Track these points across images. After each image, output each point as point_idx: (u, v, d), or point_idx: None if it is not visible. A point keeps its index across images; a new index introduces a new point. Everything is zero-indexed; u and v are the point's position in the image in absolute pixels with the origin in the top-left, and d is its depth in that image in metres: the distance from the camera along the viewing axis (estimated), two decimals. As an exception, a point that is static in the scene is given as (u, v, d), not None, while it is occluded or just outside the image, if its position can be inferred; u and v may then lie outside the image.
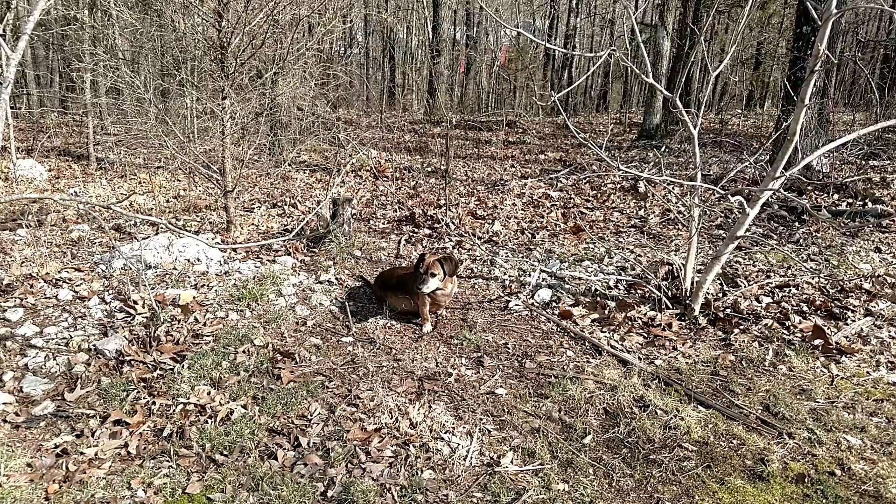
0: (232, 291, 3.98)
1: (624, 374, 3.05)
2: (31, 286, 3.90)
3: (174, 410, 2.62)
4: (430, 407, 2.74)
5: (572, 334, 3.58)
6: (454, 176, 8.96)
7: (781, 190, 3.57)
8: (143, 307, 3.59)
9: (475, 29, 22.25)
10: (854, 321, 3.65)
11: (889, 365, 3.17)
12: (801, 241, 5.44)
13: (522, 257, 5.09)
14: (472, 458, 2.38)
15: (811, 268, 4.57)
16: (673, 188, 6.55)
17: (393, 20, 20.28)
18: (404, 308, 3.78)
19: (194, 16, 5.58)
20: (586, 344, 3.45)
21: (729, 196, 3.57)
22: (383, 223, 6.39)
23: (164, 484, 2.18)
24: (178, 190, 7.77)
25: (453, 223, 6.11)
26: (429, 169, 9.79)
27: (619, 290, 4.29)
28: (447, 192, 6.69)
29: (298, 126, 10.41)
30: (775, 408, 2.74)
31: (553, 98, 3.42)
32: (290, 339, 3.43)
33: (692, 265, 3.79)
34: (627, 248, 5.32)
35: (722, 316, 3.72)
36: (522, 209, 6.94)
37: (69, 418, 2.57)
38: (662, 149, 10.30)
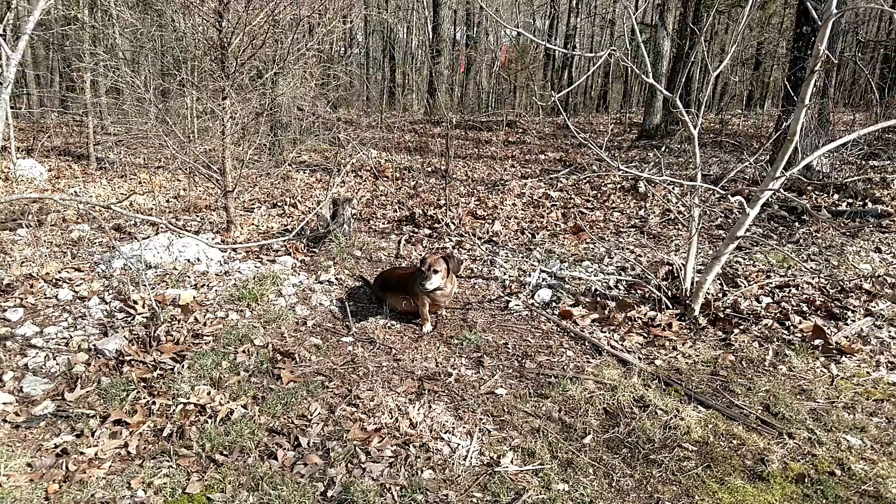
0: (232, 291, 3.98)
1: (624, 374, 3.05)
2: (31, 286, 3.90)
3: (174, 410, 2.62)
4: (430, 407, 2.74)
5: (572, 334, 3.58)
6: (454, 176, 8.96)
7: (781, 190, 3.58)
8: (143, 307, 3.59)
9: (475, 29, 22.23)
10: (854, 321, 3.65)
11: (889, 365, 3.17)
12: (801, 241, 5.44)
13: (522, 257, 5.09)
14: (472, 458, 2.38)
15: (811, 268, 4.57)
16: (673, 188, 6.55)
17: (393, 20, 20.29)
18: (404, 308, 3.78)
19: (195, 16, 5.57)
20: (586, 344, 3.45)
21: (729, 196, 3.57)
22: (383, 223, 6.39)
23: (164, 484, 2.18)
24: (178, 190, 7.77)
25: (453, 223, 6.11)
26: (429, 169, 9.79)
27: (619, 290, 4.29)
28: (447, 192, 6.69)
29: (298, 126, 10.41)
30: (775, 408, 2.74)
31: (553, 98, 3.42)
32: (290, 339, 3.43)
33: (692, 265, 3.79)
34: (627, 248, 5.32)
35: (722, 316, 3.71)
36: (522, 209, 6.93)
37: (69, 418, 2.57)
38: (662, 149, 10.31)
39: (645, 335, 3.54)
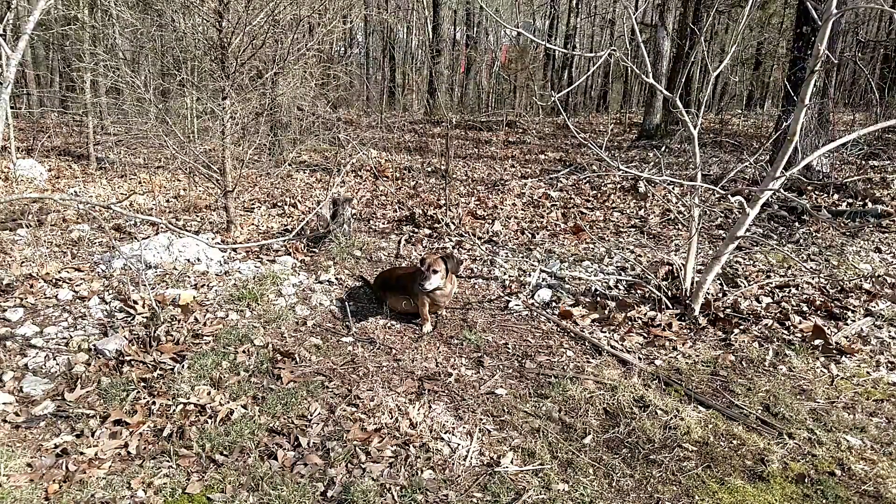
0: (232, 291, 3.98)
1: (624, 374, 3.05)
2: (31, 286, 3.90)
3: (174, 410, 2.62)
4: (430, 407, 2.74)
5: (572, 334, 3.58)
6: (454, 176, 8.96)
7: (781, 190, 3.57)
8: (143, 307, 3.59)
9: (475, 29, 22.23)
10: (854, 321, 3.65)
11: (889, 365, 3.17)
12: (801, 241, 5.44)
13: (522, 257, 5.09)
14: (472, 458, 2.38)
15: (811, 268, 4.57)
16: (673, 188, 6.55)
17: (393, 20, 20.29)
18: (404, 308, 3.78)
19: (195, 16, 5.57)
20: (586, 344, 3.45)
21: (729, 196, 3.57)
22: (383, 223, 6.39)
23: (164, 484, 2.18)
24: (178, 190, 7.77)
25: (453, 223, 6.11)
26: (429, 169, 9.79)
27: (619, 290, 4.29)
28: (447, 192, 6.69)
29: (298, 126, 10.41)
30: (775, 408, 2.74)
31: (553, 98, 3.42)
32: (290, 339, 3.43)
33: (692, 265, 3.79)
34: (627, 248, 5.32)
35: (722, 316, 3.71)
36: (522, 209, 6.94)
37: (69, 418, 2.57)
38: (662, 149, 10.31)
39: (645, 335, 3.54)
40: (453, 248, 5.41)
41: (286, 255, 4.90)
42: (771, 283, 4.25)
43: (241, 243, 5.16)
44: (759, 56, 18.15)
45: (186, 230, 5.51)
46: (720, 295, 4.03)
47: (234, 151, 5.83)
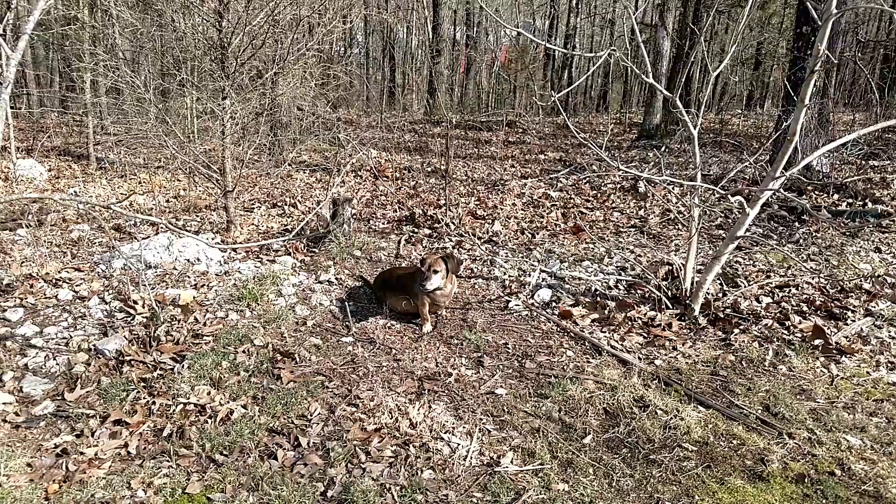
0: (232, 291, 3.98)
1: (624, 374, 3.05)
2: (31, 286, 3.90)
3: (174, 410, 2.61)
4: (430, 407, 2.74)
5: (572, 334, 3.58)
6: (454, 176, 8.96)
7: (781, 190, 3.57)
8: (143, 307, 3.59)
9: (475, 29, 22.24)
10: (854, 321, 3.65)
11: (889, 365, 3.17)
12: (801, 241, 5.44)
13: (522, 257, 5.09)
14: (472, 458, 2.38)
15: (811, 268, 4.57)
16: (673, 188, 6.56)
17: (393, 20, 20.28)
18: (404, 308, 3.78)
19: (195, 16, 5.57)
20: (586, 344, 3.45)
21: (729, 196, 3.57)
22: (383, 223, 6.39)
23: (164, 484, 2.17)
24: (178, 190, 7.77)
25: (453, 223, 6.11)
26: (429, 169, 9.79)
27: (619, 290, 4.29)
28: (447, 192, 6.69)
29: (298, 126, 10.42)
30: (775, 408, 2.74)
31: (553, 98, 3.42)
32: (290, 339, 3.43)
33: (692, 265, 3.79)
34: (627, 248, 5.32)
35: (722, 316, 3.71)
36: (522, 209, 6.94)
37: (69, 418, 2.57)
38: (662, 149, 10.30)
39: (645, 335, 3.54)
40: (453, 248, 5.41)
41: (286, 255, 4.90)
42: (771, 283, 4.25)
43: (241, 243, 5.16)
44: (759, 56, 18.17)
45: (186, 230, 5.51)
46: (720, 295, 4.03)
47: (234, 151, 5.84)
